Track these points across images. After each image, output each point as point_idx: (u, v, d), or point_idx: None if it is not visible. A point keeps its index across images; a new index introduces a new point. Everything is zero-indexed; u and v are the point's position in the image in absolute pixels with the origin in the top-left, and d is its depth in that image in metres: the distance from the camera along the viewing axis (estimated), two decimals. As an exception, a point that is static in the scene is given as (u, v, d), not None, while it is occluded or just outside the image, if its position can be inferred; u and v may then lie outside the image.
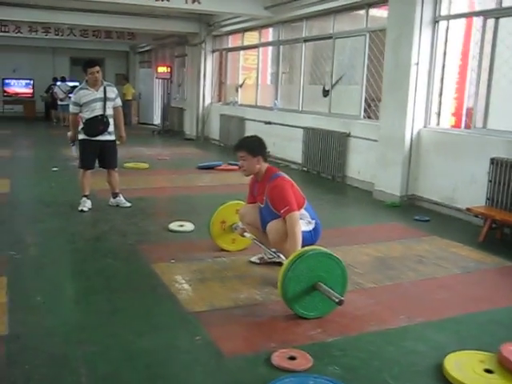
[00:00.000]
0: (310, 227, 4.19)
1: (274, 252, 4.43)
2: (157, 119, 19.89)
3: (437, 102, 7.41)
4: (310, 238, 4.14)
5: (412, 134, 7.36)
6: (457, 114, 7.59)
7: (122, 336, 3.24)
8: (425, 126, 7.41)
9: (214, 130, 14.74)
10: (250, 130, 12.62)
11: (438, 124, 7.44)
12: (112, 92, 6.45)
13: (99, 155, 6.48)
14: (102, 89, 6.33)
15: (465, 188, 6.70)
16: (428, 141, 7.30)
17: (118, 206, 6.67)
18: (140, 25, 14.30)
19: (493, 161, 6.11)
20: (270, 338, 3.30)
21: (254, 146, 4.31)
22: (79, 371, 2.82)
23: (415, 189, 7.50)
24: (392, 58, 7.52)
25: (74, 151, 6.64)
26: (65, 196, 6.78)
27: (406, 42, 7.20)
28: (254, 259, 4.73)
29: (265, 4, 10.82)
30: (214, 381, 2.80)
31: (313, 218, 4.25)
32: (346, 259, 4.79)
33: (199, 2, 10.20)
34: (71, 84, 17.84)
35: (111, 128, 6.44)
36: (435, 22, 7.17)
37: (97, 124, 6.32)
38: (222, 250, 4.98)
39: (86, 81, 6.32)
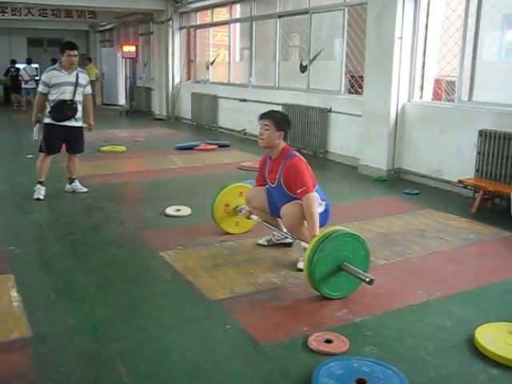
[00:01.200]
0: (321, 209, 4.16)
1: (285, 233, 4.42)
2: (122, 100, 19.50)
3: (420, 76, 7.46)
4: (321, 219, 4.12)
5: (397, 108, 7.41)
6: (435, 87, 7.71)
7: (151, 330, 3.17)
8: (409, 100, 7.47)
9: (185, 110, 14.53)
10: (224, 107, 12.53)
11: (422, 97, 7.50)
12: (84, 79, 6.28)
13: (65, 141, 6.29)
14: (74, 73, 6.12)
15: (451, 160, 6.81)
16: (413, 114, 7.37)
17: (74, 191, 6.52)
18: (103, 3, 13.89)
19: (481, 133, 6.21)
20: (299, 321, 3.30)
21: (282, 120, 4.25)
22: (118, 370, 2.75)
23: (401, 162, 7.58)
24: (374, 33, 7.51)
25: (36, 134, 6.37)
26: (50, 184, 6.54)
27: (389, 16, 7.19)
28: (261, 241, 4.70)
29: (236, -21, 10.62)
30: (257, 370, 2.78)
31: (323, 200, 4.23)
32: (351, 237, 4.85)
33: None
34: (35, 66, 17.29)
35: (79, 114, 6.26)
36: (417, -6, 7.17)
37: (65, 109, 6.12)
38: (226, 233, 4.93)
39: (60, 62, 6.11)
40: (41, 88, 6.11)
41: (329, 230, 3.67)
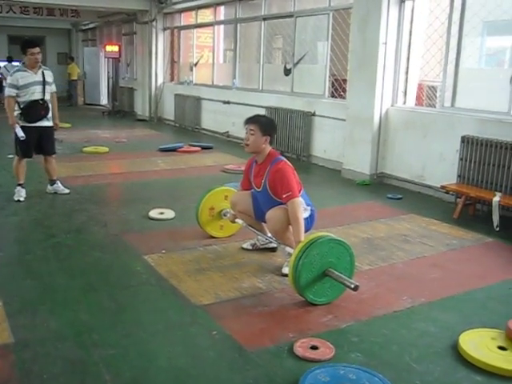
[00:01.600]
0: (306, 214, 4.16)
1: (269, 237, 4.42)
2: (104, 99, 19.35)
3: (403, 81, 7.52)
4: (306, 224, 4.12)
5: (381, 112, 7.46)
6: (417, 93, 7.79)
7: (136, 336, 3.15)
8: (392, 105, 7.52)
9: (168, 111, 14.46)
10: (207, 109, 12.50)
11: (405, 103, 7.57)
12: (49, 76, 6.19)
13: (38, 142, 6.18)
14: (40, 72, 6.04)
15: (434, 166, 6.87)
16: (396, 119, 7.42)
17: (55, 193, 6.45)
18: (86, 2, 13.75)
19: (463, 139, 6.27)
20: (285, 327, 3.29)
21: (267, 125, 4.22)
22: (103, 377, 2.72)
23: (384, 167, 7.63)
24: (359, 38, 7.54)
25: (21, 132, 5.98)
26: (31, 185, 6.47)
27: (374, 22, 7.24)
28: (246, 246, 4.70)
29: (222, -19, 10.61)
30: (243, 377, 2.77)
31: (308, 205, 4.23)
32: (335, 242, 4.86)
33: (155, -21, 9.88)
34: (16, 64, 16.99)
35: (50, 113, 6.18)
36: (401, 1, 7.22)
37: (38, 109, 6.02)
38: (211, 236, 4.92)
39: (23, 62, 6.03)
40: (9, 91, 5.91)
41: (314, 235, 3.67)
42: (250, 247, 4.68)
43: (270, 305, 3.61)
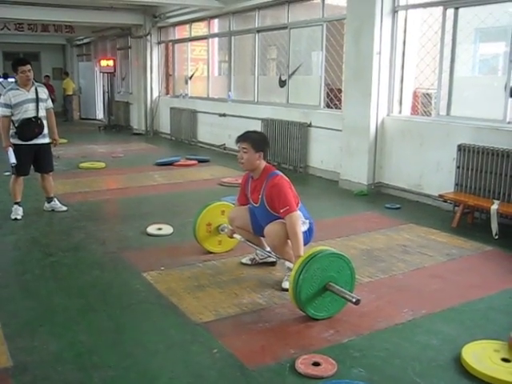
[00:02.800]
0: (305, 228, 4.15)
1: (268, 252, 4.43)
2: (100, 114, 19.38)
3: (398, 90, 7.54)
4: (305, 238, 4.11)
5: (377, 122, 7.47)
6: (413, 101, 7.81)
7: (137, 356, 3.12)
8: (388, 115, 7.54)
9: (164, 124, 14.48)
10: (203, 122, 12.52)
11: (401, 112, 7.58)
12: (43, 93, 6.17)
13: (35, 160, 6.17)
14: (33, 89, 6.02)
15: (431, 174, 6.87)
16: (392, 129, 7.43)
17: (53, 210, 6.42)
18: (80, 17, 13.80)
19: (460, 147, 6.28)
20: (286, 344, 3.27)
21: (259, 141, 4.21)
22: (104, 399, 2.70)
23: (381, 176, 7.63)
24: (353, 48, 7.57)
25: (13, 157, 5.95)
26: (28, 202, 6.46)
27: (368, 32, 7.27)
28: (245, 261, 4.68)
29: (216, -6, 10.66)
30: (246, 396, 2.74)
31: (306, 218, 4.22)
32: (334, 254, 4.85)
33: (150, -6, 9.93)
34: (12, 81, 17.00)
35: (46, 130, 6.15)
36: (395, 11, 7.26)
37: (32, 127, 6.00)
38: (209, 252, 4.90)
39: (16, 81, 6.02)
40: (3, 111, 5.88)
41: (314, 250, 3.65)
42: (249, 262, 4.65)
43: (270, 321, 3.58)
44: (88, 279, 4.34)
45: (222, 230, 4.79)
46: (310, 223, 4.23)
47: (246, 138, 4.22)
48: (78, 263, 4.72)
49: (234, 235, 4.63)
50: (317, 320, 3.58)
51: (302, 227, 4.08)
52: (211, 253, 4.89)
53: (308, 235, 4.20)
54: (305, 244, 4.04)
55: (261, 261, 4.64)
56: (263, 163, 4.22)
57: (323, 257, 3.58)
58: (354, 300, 3.43)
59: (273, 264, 4.60)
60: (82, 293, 4.07)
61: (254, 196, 4.27)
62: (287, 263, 4.05)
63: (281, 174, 4.19)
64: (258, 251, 4.59)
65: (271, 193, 4.06)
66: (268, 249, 4.44)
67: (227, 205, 4.91)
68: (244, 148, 4.16)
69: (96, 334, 3.40)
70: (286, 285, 4.06)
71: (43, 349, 3.20)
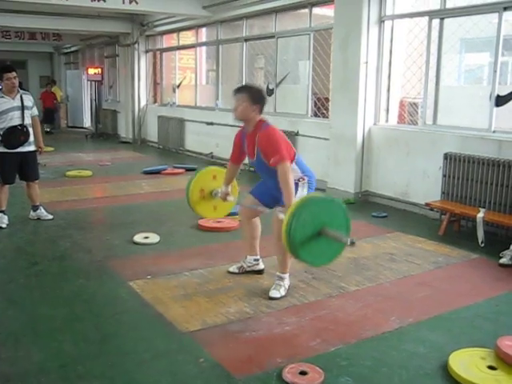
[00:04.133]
0: (305, 189, 4.04)
1: (255, 259, 4.52)
2: (87, 122, 19.29)
3: (385, 99, 7.59)
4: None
5: (364, 131, 7.51)
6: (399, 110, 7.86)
7: (122, 366, 3.08)
8: (375, 124, 7.58)
9: (152, 132, 14.44)
10: (191, 131, 12.51)
11: (387, 121, 7.63)
12: (29, 100, 6.14)
13: (20, 168, 6.12)
14: (18, 97, 5.99)
15: (418, 183, 6.91)
16: (379, 138, 7.47)
17: (38, 219, 6.36)
18: (68, 25, 13.74)
19: (446, 156, 6.32)
20: (273, 353, 3.25)
21: (258, 94, 4.10)
22: (88, 410, 2.66)
23: (368, 185, 7.66)
24: (340, 57, 7.61)
25: None
26: (14, 211, 6.40)
27: (355, 42, 7.31)
28: (232, 269, 4.66)
29: (203, 3, 10.67)
30: (232, 405, 2.72)
31: (303, 172, 4.11)
32: (322, 262, 4.85)
33: (137, 2, 9.92)
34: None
35: (31, 138, 6.11)
36: (381, 21, 7.32)
37: (17, 134, 5.96)
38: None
39: (1, 89, 5.99)
40: None
41: (304, 197, 3.64)
42: (237, 270, 4.64)
43: (257, 329, 3.57)
44: (73, 288, 4.30)
45: (216, 195, 4.69)
46: (308, 182, 4.10)
47: (243, 88, 4.22)
48: (64, 272, 4.68)
49: (228, 198, 4.58)
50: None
51: (302, 190, 4.02)
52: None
53: (309, 189, 4.10)
54: None
55: (249, 269, 4.62)
56: (258, 117, 4.09)
57: (312, 203, 3.55)
58: (348, 242, 3.43)
59: (260, 272, 4.59)
60: (67, 302, 4.02)
61: (250, 150, 4.17)
62: (278, 273, 4.13)
63: (273, 125, 4.08)
64: (245, 259, 4.60)
65: (263, 142, 3.97)
66: (258, 256, 4.52)
67: (219, 169, 4.86)
68: (240, 98, 4.05)
69: (81, 344, 3.36)
70: (273, 294, 4.05)
71: (27, 359, 3.16)
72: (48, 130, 17.43)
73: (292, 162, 4.01)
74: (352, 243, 3.43)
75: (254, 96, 4.07)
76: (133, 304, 3.98)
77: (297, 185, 3.98)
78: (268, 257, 4.64)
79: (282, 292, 4.10)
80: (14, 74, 5.88)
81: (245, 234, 4.60)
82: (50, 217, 6.40)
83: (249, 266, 4.62)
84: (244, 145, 4.28)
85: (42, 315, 3.80)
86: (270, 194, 4.21)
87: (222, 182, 4.58)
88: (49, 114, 17.61)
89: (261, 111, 4.12)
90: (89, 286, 4.37)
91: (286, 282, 4.17)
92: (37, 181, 6.39)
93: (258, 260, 4.60)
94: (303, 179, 4.07)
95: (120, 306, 3.97)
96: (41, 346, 3.34)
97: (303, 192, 4.03)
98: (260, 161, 4.08)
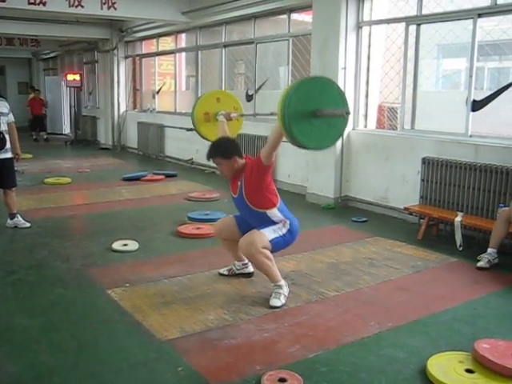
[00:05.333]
0: (284, 230, 4.08)
1: (243, 264, 4.59)
2: (67, 129, 19.12)
3: (363, 105, 7.64)
4: (283, 241, 4.09)
5: (342, 136, 7.52)
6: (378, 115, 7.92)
7: (100, 376, 3.04)
8: (353, 129, 7.62)
9: (132, 139, 14.36)
10: (171, 137, 12.47)
11: (366, 126, 7.68)
12: (4, 107, 6.08)
13: None
14: None
15: (397, 187, 6.96)
16: (358, 143, 7.52)
17: (16, 227, 6.28)
18: (46, 31, 13.63)
19: (424, 160, 6.38)
20: (252, 360, 3.24)
21: (226, 149, 4.14)
22: (64, 421, 2.62)
23: (348, 190, 7.69)
24: (319, 63, 7.64)
25: None
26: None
27: (333, 47, 7.36)
28: (222, 271, 4.70)
29: (182, 9, 10.66)
30: (211, 414, 2.70)
31: (287, 217, 4.13)
32: (301, 268, 4.90)
33: (115, 8, 9.88)
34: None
35: (8, 145, 6.04)
36: (359, 27, 7.37)
37: None
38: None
39: None
40: None
41: (294, 82, 3.67)
42: (226, 272, 4.67)
43: (236, 337, 3.54)
44: (51, 297, 4.24)
45: (220, 116, 4.75)
46: (290, 223, 4.13)
47: (212, 153, 4.19)
48: (41, 281, 4.61)
49: (232, 115, 4.68)
50: (282, 335, 3.56)
51: (282, 230, 4.06)
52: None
53: (289, 237, 4.13)
54: (287, 245, 4.15)
55: (238, 272, 4.64)
56: (242, 162, 4.15)
57: (299, 88, 3.55)
58: (344, 113, 3.51)
59: (250, 275, 4.62)
60: (44, 311, 3.97)
61: (234, 186, 4.21)
62: (273, 283, 4.14)
63: None
64: (235, 262, 4.64)
65: (252, 165, 4.03)
66: (246, 261, 4.57)
67: (221, 92, 4.94)
68: (219, 163, 4.16)
69: (57, 354, 3.31)
70: (274, 302, 4.03)
71: (2, 371, 3.10)
72: (45, 137, 17.13)
73: (275, 206, 4.08)
74: (347, 113, 3.52)
75: (225, 153, 4.11)
76: (111, 312, 3.94)
77: (276, 223, 4.06)
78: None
79: (283, 300, 4.06)
80: None
81: (226, 248, 4.62)
82: (28, 225, 6.32)
83: (238, 270, 4.66)
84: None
85: (17, 325, 3.74)
86: (249, 225, 4.24)
87: (225, 104, 4.73)
88: (37, 121, 17.23)
89: (241, 156, 4.17)
90: (66, 294, 4.31)
91: (285, 289, 4.14)
92: (14, 188, 6.30)
93: (246, 264, 4.63)
94: (285, 221, 4.11)
95: (98, 314, 3.92)
96: (16, 356, 3.28)
97: (282, 231, 4.06)
98: (241, 199, 4.13)
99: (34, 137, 17.08)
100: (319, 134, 3.62)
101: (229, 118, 4.71)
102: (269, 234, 4.04)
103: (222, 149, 4.16)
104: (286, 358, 3.28)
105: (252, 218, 4.19)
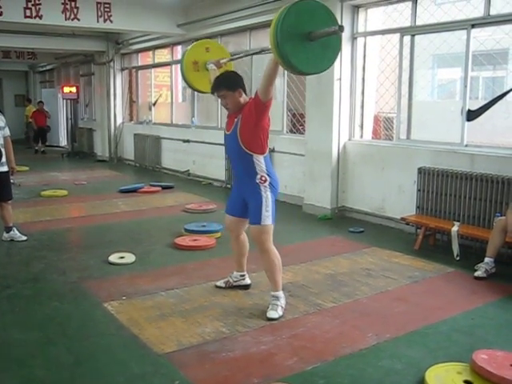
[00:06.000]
0: (269, 202, 4.04)
1: (241, 275, 4.60)
2: (63, 141, 19.14)
3: (359, 115, 7.66)
4: (273, 208, 4.10)
5: (339, 147, 7.56)
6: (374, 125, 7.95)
7: (96, 390, 3.03)
8: (350, 139, 7.64)
9: (128, 151, 14.37)
10: (167, 148, 12.49)
11: (362, 136, 7.69)
12: (1, 120, 6.10)
13: None
14: None
15: (393, 197, 6.97)
16: (354, 153, 7.53)
17: (12, 240, 6.27)
18: (43, 44, 13.68)
19: (420, 170, 6.39)
20: (250, 373, 3.22)
21: (231, 80, 4.08)
22: None
23: (345, 200, 7.70)
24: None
25: None
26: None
27: (328, 59, 7.36)
28: (219, 283, 4.69)
29: (178, 22, 10.71)
30: (208, 428, 2.68)
31: (267, 169, 4.09)
32: (298, 279, 4.89)
33: (111, 21, 9.91)
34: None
35: (3, 158, 6.04)
36: (353, 38, 7.41)
37: None
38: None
39: None
40: None
41: (279, 12, 3.56)
42: (223, 285, 4.66)
43: (233, 350, 3.53)
44: (47, 311, 4.22)
45: (209, 65, 4.64)
46: (271, 180, 4.08)
47: (218, 85, 4.11)
48: (37, 295, 4.59)
49: (221, 61, 4.60)
50: (280, 348, 3.54)
51: (265, 192, 4.02)
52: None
53: (274, 197, 4.10)
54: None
55: (235, 284, 4.64)
56: (246, 98, 4.10)
57: (288, 12, 3.49)
58: (336, 28, 3.48)
59: (247, 287, 4.61)
60: (40, 325, 3.94)
61: (230, 121, 4.13)
62: (272, 293, 4.12)
63: None
64: (232, 274, 4.65)
65: (250, 104, 3.96)
66: (244, 273, 4.59)
67: (210, 41, 4.87)
68: (222, 95, 4.07)
69: (54, 369, 3.29)
70: (271, 314, 4.01)
71: (-3, 386, 3.08)
72: (42, 150, 17.01)
73: (262, 154, 4.06)
74: (340, 28, 3.49)
75: (230, 84, 4.05)
76: (107, 326, 3.92)
77: (259, 186, 4.01)
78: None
79: (280, 312, 4.05)
80: None
81: (233, 251, 4.62)
82: (24, 238, 6.30)
83: (235, 281, 4.64)
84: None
85: (13, 340, 3.71)
86: (238, 197, 4.26)
87: (215, 53, 4.63)
88: (41, 134, 17.10)
89: (245, 91, 4.12)
90: (63, 308, 4.29)
91: (283, 301, 4.13)
92: (10, 201, 6.29)
93: (243, 275, 4.63)
94: (265, 179, 4.03)
95: (94, 328, 3.90)
96: (11, 372, 3.26)
97: (268, 198, 4.02)
98: (234, 136, 4.02)
99: (36, 148, 16.96)
100: (316, 57, 3.61)
101: (219, 66, 4.59)
102: (267, 218, 4.04)
103: (227, 80, 4.10)
104: (284, 370, 3.26)
105: (239, 163, 4.11)
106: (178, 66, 12.60)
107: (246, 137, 3.99)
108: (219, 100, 4.18)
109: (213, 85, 4.17)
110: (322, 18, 3.62)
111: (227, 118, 4.27)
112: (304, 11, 3.57)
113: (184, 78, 4.84)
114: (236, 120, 4.04)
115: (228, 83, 4.07)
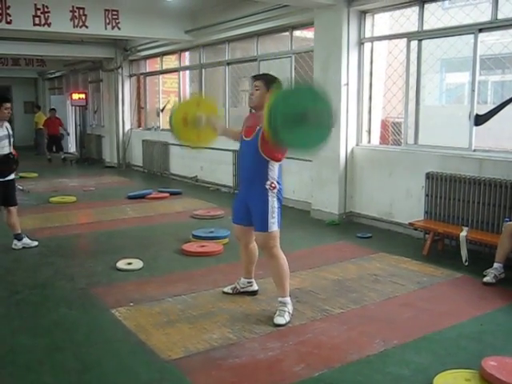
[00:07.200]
0: (275, 207, 4.12)
1: (248, 282, 4.61)
2: (72, 147, 19.23)
3: (367, 120, 7.65)
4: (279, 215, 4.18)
5: (346, 152, 7.55)
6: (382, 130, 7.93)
7: (103, 396, 3.03)
8: (357, 144, 7.63)
9: (137, 157, 14.43)
10: (175, 154, 12.51)
11: (369, 141, 7.68)
12: (11, 129, 6.18)
13: (3, 195, 6.09)
14: (4, 125, 6.00)
15: (401, 203, 6.94)
16: (362, 158, 7.52)
17: (24, 247, 6.30)
18: (51, 51, 13.77)
19: (428, 175, 6.36)
20: (257, 379, 3.22)
21: (272, 81, 4.21)
22: None
23: (352, 206, 7.68)
24: (321, 79, 7.64)
25: None
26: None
27: (335, 64, 7.39)
28: (226, 290, 4.70)
29: (185, 28, 10.76)
30: None
31: (278, 178, 4.13)
32: (305, 285, 4.88)
33: (119, 28, 9.97)
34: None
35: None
36: (361, 43, 7.42)
37: (10, 163, 6.02)
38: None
39: None
40: None
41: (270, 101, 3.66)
42: (231, 291, 4.66)
43: (240, 356, 3.52)
44: (55, 317, 4.23)
45: (199, 121, 4.52)
46: (279, 188, 4.13)
47: (260, 76, 4.37)
48: (45, 301, 4.61)
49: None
50: (287, 351, 3.53)
51: (271, 199, 4.07)
52: (182, 281, 4.83)
53: (279, 205, 4.17)
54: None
55: (242, 290, 4.64)
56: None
57: (284, 98, 3.69)
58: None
59: (254, 293, 4.61)
60: (48, 331, 3.96)
61: (250, 129, 4.15)
62: (279, 299, 4.11)
63: None
64: (239, 280, 4.65)
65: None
66: (252, 279, 4.61)
67: (202, 98, 4.87)
68: (257, 86, 4.18)
69: (61, 375, 3.30)
70: (278, 320, 4.01)
71: (5, 392, 3.09)
72: (63, 157, 16.70)
73: (279, 162, 4.11)
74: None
75: (268, 83, 4.19)
76: (115, 332, 3.93)
77: (267, 192, 4.05)
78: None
79: (287, 318, 4.04)
80: (9, 104, 5.96)
81: (242, 258, 4.62)
82: (36, 243, 6.34)
83: (242, 288, 4.64)
84: (246, 123, 4.29)
85: (21, 346, 3.72)
86: (242, 203, 4.27)
87: (205, 109, 4.62)
88: (54, 142, 16.82)
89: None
90: (70, 314, 4.30)
91: (290, 307, 4.13)
92: (16, 207, 6.32)
93: (251, 282, 4.64)
94: (274, 186, 4.08)
95: (102, 334, 3.91)
96: (19, 378, 3.27)
97: (274, 205, 4.09)
98: (254, 143, 4.03)
99: (49, 158, 16.70)
100: (302, 135, 3.76)
101: (208, 121, 4.52)
102: (273, 225, 4.10)
103: (269, 77, 4.29)
104: (291, 376, 3.25)
105: (251, 166, 4.13)
106: (186, 72, 12.81)
107: (267, 147, 4.01)
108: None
109: (258, 74, 4.52)
110: (307, 96, 3.82)
111: (246, 122, 4.30)
112: (289, 96, 3.75)
113: (172, 130, 4.69)
114: (258, 128, 4.06)
115: (268, 79, 4.23)
